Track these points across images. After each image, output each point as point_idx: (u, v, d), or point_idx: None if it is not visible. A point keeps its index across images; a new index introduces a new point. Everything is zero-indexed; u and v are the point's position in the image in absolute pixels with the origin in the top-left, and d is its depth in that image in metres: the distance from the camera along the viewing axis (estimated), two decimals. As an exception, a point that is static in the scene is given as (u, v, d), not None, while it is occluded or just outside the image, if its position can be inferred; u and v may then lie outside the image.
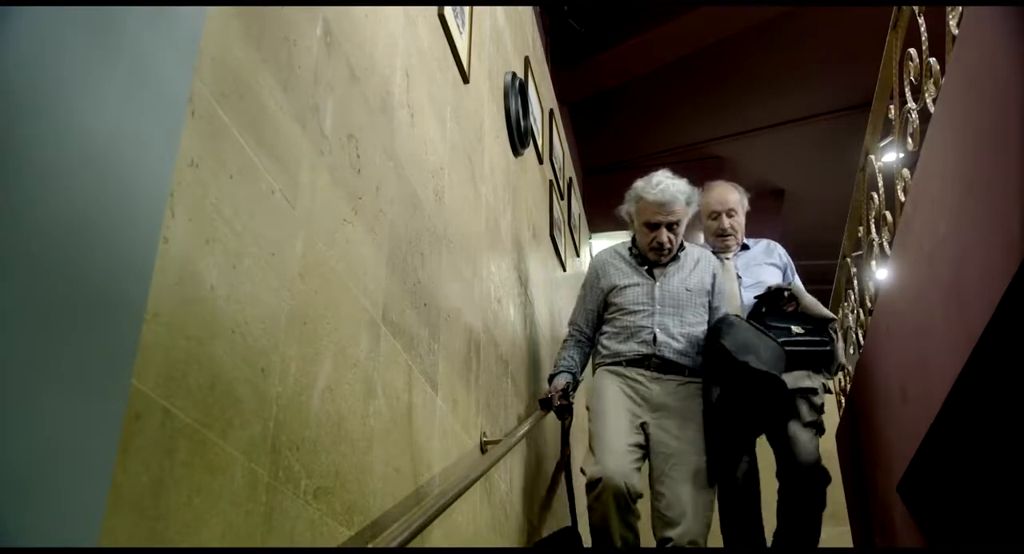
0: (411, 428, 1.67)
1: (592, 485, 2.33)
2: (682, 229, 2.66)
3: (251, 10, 1.15)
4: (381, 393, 1.51)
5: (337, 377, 1.32)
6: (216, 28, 1.04)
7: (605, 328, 2.68)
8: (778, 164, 7.04)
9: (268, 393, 1.09)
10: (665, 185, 2.60)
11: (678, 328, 2.57)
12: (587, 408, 2.60)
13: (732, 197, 3.02)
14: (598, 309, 2.72)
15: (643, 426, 2.45)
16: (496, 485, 2.36)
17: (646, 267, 2.67)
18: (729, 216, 2.99)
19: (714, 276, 2.70)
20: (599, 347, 2.68)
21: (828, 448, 3.18)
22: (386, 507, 1.48)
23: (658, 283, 2.63)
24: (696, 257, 2.72)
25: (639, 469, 2.40)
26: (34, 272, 0.67)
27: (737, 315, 2.63)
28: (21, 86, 0.67)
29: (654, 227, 2.61)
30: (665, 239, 2.61)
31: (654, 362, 2.52)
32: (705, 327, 2.61)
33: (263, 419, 1.07)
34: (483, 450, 2.22)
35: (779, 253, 3.03)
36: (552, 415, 2.67)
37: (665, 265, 2.66)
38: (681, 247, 2.70)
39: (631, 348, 2.55)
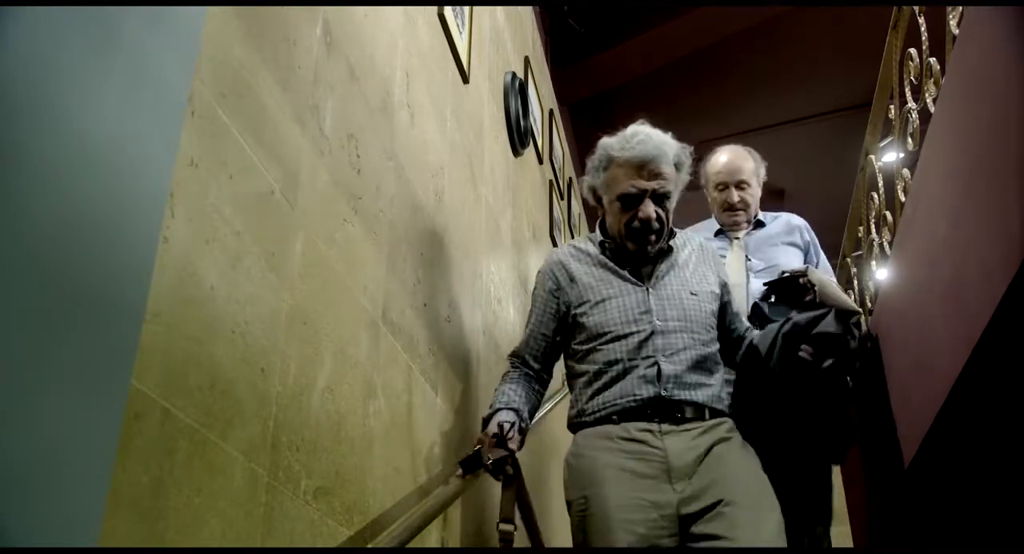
0: (411, 428, 1.67)
1: None
2: (672, 204, 1.83)
3: (251, 10, 1.15)
4: (381, 393, 1.51)
5: (337, 377, 1.32)
6: (216, 28, 1.04)
7: (578, 368, 1.78)
8: (778, 164, 7.00)
9: (268, 393, 1.09)
10: (644, 137, 1.78)
11: (690, 351, 1.72)
12: (567, 505, 1.70)
13: (746, 166, 2.49)
14: (554, 335, 1.84)
15: (679, 520, 1.57)
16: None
17: (628, 268, 1.82)
18: (739, 188, 2.46)
19: (718, 272, 1.92)
20: (572, 400, 1.81)
21: (828, 448, 3.18)
22: (386, 507, 1.48)
23: (651, 289, 1.78)
24: (689, 247, 1.90)
25: None
26: (34, 272, 0.67)
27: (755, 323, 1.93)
28: (21, 86, 0.67)
29: (634, 201, 1.77)
30: (652, 212, 1.76)
31: (661, 409, 1.67)
32: (717, 345, 1.81)
33: (263, 419, 1.07)
34: (483, 450, 2.21)
35: (801, 230, 2.50)
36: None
37: (654, 262, 1.82)
38: (671, 234, 1.86)
39: (625, 392, 1.69)
